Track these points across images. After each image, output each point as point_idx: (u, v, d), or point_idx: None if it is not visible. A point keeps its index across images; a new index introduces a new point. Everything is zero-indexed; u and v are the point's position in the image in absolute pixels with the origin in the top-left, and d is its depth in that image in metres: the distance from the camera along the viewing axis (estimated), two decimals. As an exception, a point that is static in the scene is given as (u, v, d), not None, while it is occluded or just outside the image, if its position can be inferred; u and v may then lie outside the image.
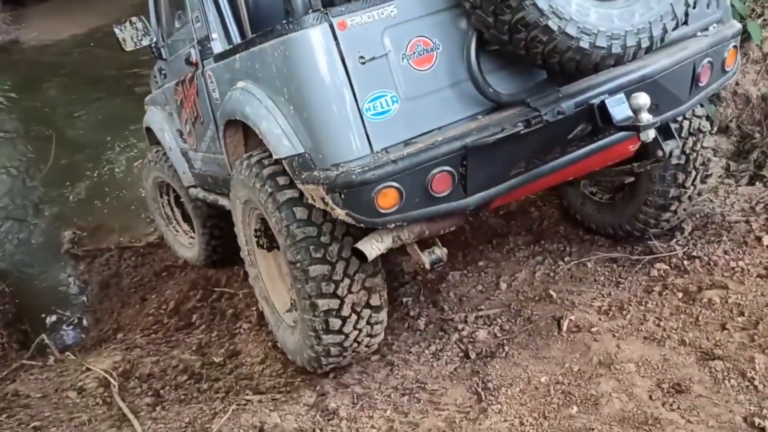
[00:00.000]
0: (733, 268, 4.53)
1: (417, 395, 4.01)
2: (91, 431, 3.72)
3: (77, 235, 7.20)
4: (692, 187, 4.29)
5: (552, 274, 4.97)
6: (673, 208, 4.41)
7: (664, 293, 4.48)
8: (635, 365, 3.92)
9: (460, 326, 4.56)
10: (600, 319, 4.35)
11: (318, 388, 4.13)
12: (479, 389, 3.97)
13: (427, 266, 3.51)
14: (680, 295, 4.46)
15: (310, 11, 2.81)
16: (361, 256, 3.19)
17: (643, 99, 2.84)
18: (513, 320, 4.53)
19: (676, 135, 3.57)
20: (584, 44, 2.70)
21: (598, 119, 3.00)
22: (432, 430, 3.74)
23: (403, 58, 2.87)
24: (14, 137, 9.68)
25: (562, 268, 5.01)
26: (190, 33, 4.03)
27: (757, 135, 5.80)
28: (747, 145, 5.82)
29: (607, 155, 3.34)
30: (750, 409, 3.47)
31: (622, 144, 3.27)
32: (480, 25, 2.81)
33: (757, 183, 5.53)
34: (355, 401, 3.99)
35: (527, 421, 3.69)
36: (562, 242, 5.38)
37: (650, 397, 3.71)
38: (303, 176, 2.96)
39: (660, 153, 3.34)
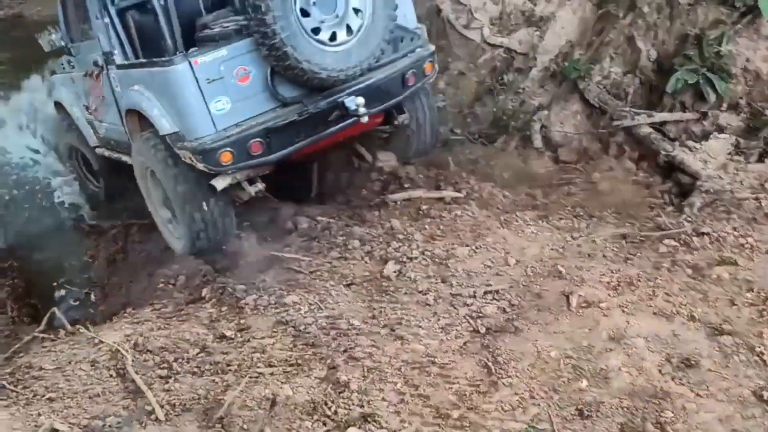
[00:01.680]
0: (742, 245, 4.55)
1: (427, 369, 4.04)
2: (105, 403, 3.76)
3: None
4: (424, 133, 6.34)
5: (561, 250, 4.98)
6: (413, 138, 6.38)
7: (674, 269, 4.50)
8: (645, 340, 3.96)
9: (469, 301, 4.57)
10: (609, 294, 4.37)
11: (329, 361, 4.15)
12: (489, 363, 4.00)
13: (252, 194, 5.33)
14: (689, 271, 4.48)
15: (179, 52, 4.81)
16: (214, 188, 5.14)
17: (359, 100, 4.98)
18: (522, 295, 4.55)
19: (405, 111, 5.94)
20: (324, 76, 4.82)
21: (343, 109, 5.04)
22: (443, 402, 3.78)
23: (232, 78, 4.77)
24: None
25: (571, 244, 5.03)
26: (96, 46, 5.59)
27: (767, 112, 5.78)
28: (757, 122, 5.80)
29: (357, 127, 5.27)
30: (759, 383, 3.51)
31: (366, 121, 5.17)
32: (271, 62, 4.76)
33: (766, 160, 5.52)
34: (366, 374, 4.02)
35: (537, 394, 3.73)
36: (570, 219, 5.39)
37: (660, 371, 3.75)
38: (178, 145, 4.89)
39: (396, 122, 5.93)
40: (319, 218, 6.05)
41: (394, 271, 5.01)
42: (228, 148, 4.76)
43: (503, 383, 3.83)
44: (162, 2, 4.85)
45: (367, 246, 5.42)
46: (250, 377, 3.96)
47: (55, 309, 4.83)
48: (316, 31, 4.69)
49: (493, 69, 7.41)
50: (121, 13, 5.30)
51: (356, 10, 4.81)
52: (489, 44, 7.54)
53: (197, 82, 4.62)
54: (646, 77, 6.43)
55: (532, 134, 6.74)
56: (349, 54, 4.85)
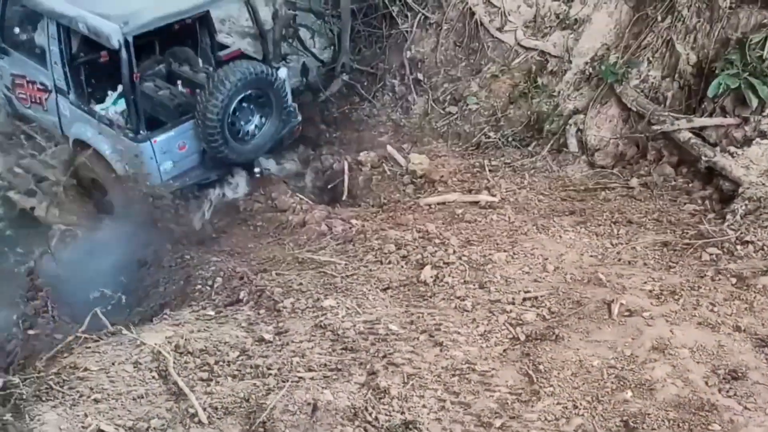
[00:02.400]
0: (788, 254, 4.47)
1: (467, 376, 4.03)
2: (148, 404, 3.79)
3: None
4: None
5: (600, 256, 4.94)
6: None
7: (717, 278, 4.44)
8: (690, 351, 3.91)
9: (508, 308, 4.55)
10: (652, 303, 4.32)
11: (368, 366, 4.15)
12: (530, 371, 3.97)
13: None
14: (734, 280, 4.41)
15: (142, 131, 6.32)
16: None
17: (257, 169, 7.26)
18: (562, 303, 4.52)
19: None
20: (239, 159, 6.84)
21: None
22: (484, 410, 3.76)
23: (177, 148, 6.52)
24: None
25: (611, 250, 4.98)
26: (45, 72, 6.78)
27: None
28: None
29: None
30: (810, 397, 3.44)
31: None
32: (206, 147, 6.53)
33: (812, 167, 5.42)
34: (406, 380, 4.01)
35: (581, 404, 3.70)
36: (609, 225, 5.34)
37: (706, 383, 3.70)
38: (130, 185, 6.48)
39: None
40: (353, 221, 6.05)
41: (431, 276, 5.00)
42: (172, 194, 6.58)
43: (545, 392, 3.80)
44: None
45: (403, 250, 5.41)
46: (291, 382, 3.97)
47: (97, 309, 4.87)
48: (237, 133, 6.68)
49: (527, 72, 7.36)
50: (80, 63, 6.77)
51: (258, 126, 6.86)
52: (523, 47, 7.50)
53: (154, 153, 6.41)
54: (686, 81, 6.33)
55: (567, 138, 6.68)
56: (255, 146, 6.89)
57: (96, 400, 3.72)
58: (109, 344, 4.31)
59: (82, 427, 3.48)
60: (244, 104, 6.63)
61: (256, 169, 7.23)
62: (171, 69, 7.24)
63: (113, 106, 6.78)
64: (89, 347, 4.25)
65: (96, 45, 6.45)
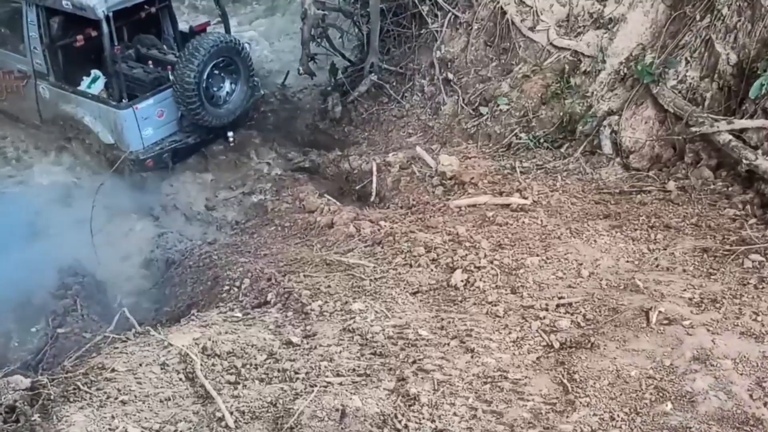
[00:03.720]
0: (835, 262, 4.29)
1: (499, 384, 3.92)
2: (175, 407, 3.74)
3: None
4: None
5: (637, 262, 4.80)
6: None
7: (761, 286, 4.28)
8: (732, 362, 3.76)
9: (541, 314, 4.43)
10: (692, 311, 4.17)
11: (398, 372, 4.06)
12: (565, 380, 3.86)
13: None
14: (778, 288, 4.24)
15: (124, 100, 7.14)
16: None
17: (231, 133, 7.99)
18: (597, 310, 4.39)
19: None
20: (214, 122, 7.62)
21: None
22: (517, 420, 3.65)
23: (156, 115, 7.35)
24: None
25: (648, 256, 4.83)
26: (22, 59, 7.54)
27: None
28: None
29: None
30: None
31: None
32: (183, 112, 7.37)
33: None
34: (436, 387, 3.92)
35: (618, 416, 3.57)
36: (645, 229, 5.19)
37: (750, 396, 3.55)
38: (114, 152, 7.29)
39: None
40: (382, 223, 5.97)
41: (462, 281, 4.90)
42: (151, 158, 7.33)
43: (581, 402, 3.68)
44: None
45: (433, 253, 5.32)
46: (320, 386, 3.90)
47: (125, 309, 4.86)
48: (211, 98, 7.43)
49: (560, 72, 7.21)
50: (57, 48, 7.39)
51: (229, 92, 7.64)
52: (555, 47, 7.35)
53: (136, 119, 7.19)
54: (725, 82, 6.13)
55: (601, 140, 6.51)
56: (227, 110, 7.64)
57: (123, 402, 3.69)
58: (137, 345, 4.28)
59: (110, 429, 3.45)
60: (216, 71, 7.40)
61: (230, 134, 7.88)
62: (140, 53, 8.02)
63: (89, 89, 7.43)
64: (117, 347, 4.23)
65: (72, 30, 7.21)
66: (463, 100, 7.67)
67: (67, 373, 3.98)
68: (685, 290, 4.35)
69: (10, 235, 5.99)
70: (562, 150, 6.73)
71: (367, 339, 4.39)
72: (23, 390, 3.81)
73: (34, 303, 5.64)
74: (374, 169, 7.03)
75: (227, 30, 8.03)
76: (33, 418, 3.53)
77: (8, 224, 6.13)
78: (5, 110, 8.16)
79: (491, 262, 5.02)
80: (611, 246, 5.04)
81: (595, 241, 5.14)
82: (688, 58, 6.31)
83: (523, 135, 7.03)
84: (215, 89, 7.51)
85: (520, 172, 6.37)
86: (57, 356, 5.07)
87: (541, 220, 5.53)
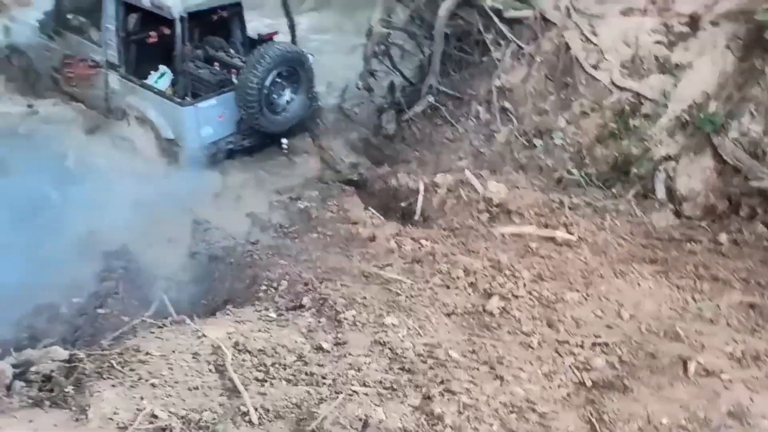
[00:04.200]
0: None
1: (526, 415, 3.87)
2: (203, 396, 3.79)
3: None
4: None
5: (680, 310, 4.70)
6: None
7: (807, 348, 4.14)
8: (770, 422, 3.64)
9: (575, 350, 4.37)
10: (732, 366, 4.07)
11: (424, 390, 4.04)
12: (594, 420, 3.79)
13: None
14: (826, 352, 4.10)
15: (188, 98, 7.40)
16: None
17: (285, 140, 8.13)
18: (634, 353, 4.30)
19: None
20: (271, 128, 7.81)
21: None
22: (540, 454, 3.60)
23: (216, 116, 7.51)
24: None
25: (692, 305, 4.73)
26: (97, 49, 7.88)
27: None
28: None
29: None
30: None
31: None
32: (243, 116, 7.53)
33: None
34: (462, 410, 3.89)
35: (645, 462, 3.49)
36: (692, 278, 5.08)
37: (785, 459, 3.43)
38: (171, 147, 7.55)
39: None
40: (423, 242, 5.99)
41: (498, 307, 4.87)
42: (206, 156, 7.52)
43: (608, 444, 3.61)
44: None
45: (471, 277, 5.30)
46: (345, 394, 3.90)
47: (164, 296, 4.96)
48: (270, 104, 7.57)
49: (619, 112, 7.14)
50: (131, 42, 7.72)
51: (288, 101, 7.78)
52: (617, 86, 7.29)
53: (197, 117, 7.40)
54: (789, 138, 6.03)
55: (655, 184, 6.43)
56: (285, 118, 7.78)
57: (153, 385, 3.74)
58: (172, 332, 4.36)
59: (137, 409, 3.50)
60: (278, 80, 7.56)
61: (284, 140, 8.04)
62: (208, 54, 8.18)
63: (156, 84, 7.71)
64: (153, 332, 4.31)
65: (147, 26, 7.57)
66: (518, 130, 7.65)
67: (104, 351, 4.06)
68: (726, 344, 4.24)
69: (68, 209, 6.19)
70: (614, 190, 6.65)
71: (396, 354, 4.39)
72: (60, 361, 3.91)
73: (79, 280, 5.79)
74: (421, 188, 7.05)
75: (293, 40, 8.20)
76: (66, 389, 3.61)
77: (67, 199, 6.33)
78: (76, 95, 8.48)
79: (530, 293, 4.97)
80: (655, 291, 4.95)
81: (638, 284, 5.06)
82: (753, 111, 6.21)
83: (575, 171, 6.97)
84: (275, 96, 7.66)
85: (569, 207, 6.31)
86: (95, 335, 5.18)
87: (585, 257, 5.47)
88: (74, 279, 5.84)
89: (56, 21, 8.28)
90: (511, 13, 8.07)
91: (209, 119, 7.50)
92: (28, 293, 5.68)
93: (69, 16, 8.15)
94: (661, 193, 6.37)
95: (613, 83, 7.31)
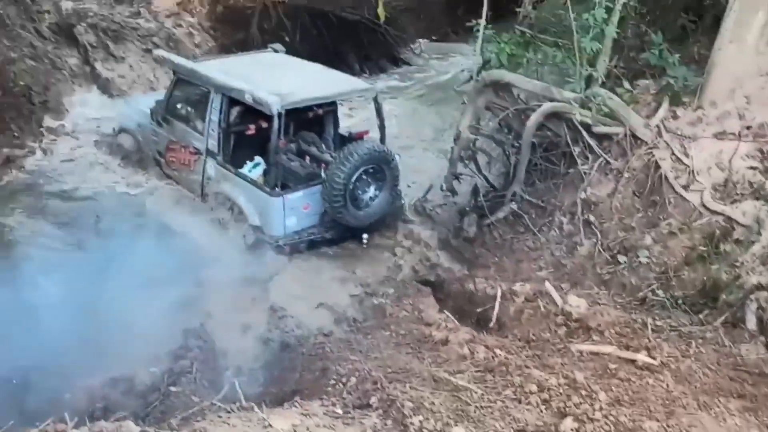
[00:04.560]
0: None
1: None
2: (263, 489, 3.77)
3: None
4: None
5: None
6: None
7: None
8: None
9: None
10: None
11: None
12: None
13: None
14: None
15: (277, 188, 7.76)
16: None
17: (366, 235, 8.31)
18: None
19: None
20: (354, 222, 7.98)
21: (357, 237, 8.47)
22: None
23: (300, 207, 7.84)
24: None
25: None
26: (199, 138, 8.42)
27: None
28: None
29: None
30: None
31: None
32: (327, 208, 7.82)
33: None
34: None
35: None
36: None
37: None
38: (257, 234, 7.81)
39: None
40: (497, 351, 5.86)
41: (572, 429, 4.66)
42: (289, 245, 7.77)
43: None
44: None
45: (545, 393, 5.12)
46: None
47: (235, 381, 5.02)
48: (355, 200, 7.80)
49: (709, 235, 6.95)
50: (230, 133, 8.22)
51: (372, 197, 8.00)
52: (708, 209, 7.13)
53: (283, 208, 7.70)
54: None
55: (745, 314, 6.13)
56: (367, 213, 7.98)
57: (217, 473, 3.74)
58: (240, 418, 4.37)
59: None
60: (364, 176, 7.82)
61: (365, 235, 8.23)
62: (300, 148, 8.60)
63: (249, 173, 8.15)
64: (221, 416, 4.33)
65: (247, 119, 8.13)
66: (602, 244, 7.53)
67: (172, 430, 4.12)
68: None
69: (155, 282, 6.45)
70: (701, 316, 6.37)
71: (462, 467, 4.24)
72: (131, 437, 3.98)
73: (157, 354, 5.96)
74: (499, 295, 6.98)
75: (382, 140, 8.49)
76: (134, 466, 3.66)
77: (157, 273, 6.61)
78: (176, 178, 9.08)
79: (606, 417, 4.75)
80: (742, 429, 4.63)
81: (724, 419, 4.76)
82: None
83: (660, 292, 6.75)
84: (360, 192, 7.92)
85: (652, 329, 6.08)
86: (165, 413, 5.27)
87: (668, 385, 5.21)
88: (153, 353, 6.02)
89: (166, 109, 8.96)
90: (600, 129, 8.12)
91: (295, 210, 7.82)
92: (108, 361, 5.90)
93: (178, 106, 8.82)
94: (751, 323, 6.06)
95: (703, 205, 7.16)
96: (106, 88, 11.78)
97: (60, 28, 12.00)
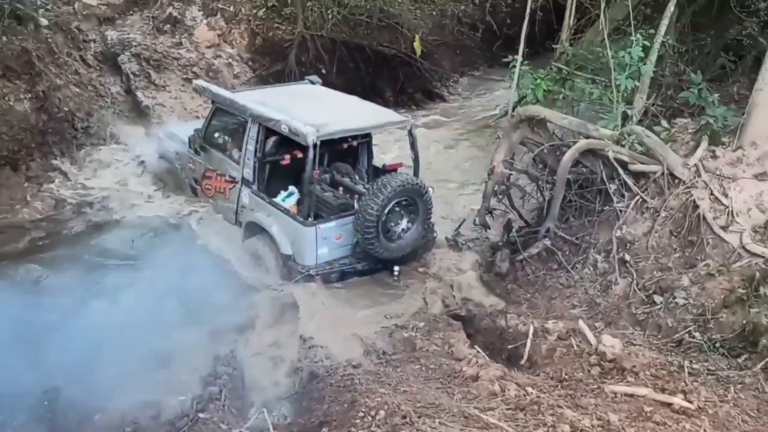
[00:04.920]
0: None
1: None
2: None
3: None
4: None
5: None
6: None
7: None
8: None
9: None
10: None
11: None
12: None
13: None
14: None
15: (310, 218, 7.72)
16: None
17: (397, 268, 8.35)
18: None
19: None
20: (385, 254, 7.94)
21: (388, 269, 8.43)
22: None
23: (333, 237, 7.83)
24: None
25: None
26: (235, 166, 8.56)
27: None
28: None
29: None
30: None
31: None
32: (359, 238, 7.76)
33: None
34: None
35: None
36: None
37: None
38: (289, 264, 7.88)
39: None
40: (529, 389, 5.76)
41: (606, 472, 4.54)
42: (320, 275, 7.79)
43: None
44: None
45: (578, 435, 5.00)
46: None
47: (264, 410, 5.01)
48: (387, 232, 7.84)
49: (749, 278, 6.78)
50: (266, 162, 8.31)
51: (404, 230, 8.04)
52: (748, 251, 6.99)
53: (316, 237, 7.68)
54: None
55: (786, 359, 5.96)
56: (399, 246, 8.00)
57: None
58: (267, 448, 4.36)
59: None
60: (396, 208, 7.85)
61: (396, 267, 8.25)
62: (334, 178, 8.73)
63: (283, 202, 8.16)
64: (249, 445, 4.32)
65: (282, 149, 8.21)
66: (637, 284, 7.40)
67: (200, 456, 4.11)
68: None
69: (187, 307, 6.52)
70: (740, 360, 6.20)
71: (491, 508, 4.15)
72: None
73: (187, 380, 5.98)
74: (531, 332, 6.88)
75: (416, 173, 8.51)
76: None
77: (189, 297, 6.68)
78: (212, 206, 9.20)
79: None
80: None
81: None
82: None
83: (697, 334, 6.58)
84: (392, 224, 7.93)
85: (689, 372, 5.93)
86: (192, 440, 5.28)
87: (705, 430, 5.07)
88: (183, 379, 6.04)
89: (204, 138, 9.12)
90: (637, 167, 8.04)
91: (327, 240, 7.81)
92: (139, 385, 5.94)
93: (215, 135, 8.96)
94: (793, 370, 5.88)
95: (743, 247, 7.02)
96: (146, 115, 12.07)
97: (105, 56, 12.40)
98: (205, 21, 13.99)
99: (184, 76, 12.80)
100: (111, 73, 12.35)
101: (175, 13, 13.75)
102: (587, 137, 8.34)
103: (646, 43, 8.47)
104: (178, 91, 12.57)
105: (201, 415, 5.66)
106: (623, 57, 8.41)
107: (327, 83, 10.45)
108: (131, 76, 12.37)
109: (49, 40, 10.50)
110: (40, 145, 10.12)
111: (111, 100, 11.77)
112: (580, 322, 6.80)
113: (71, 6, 12.61)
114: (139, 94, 12.25)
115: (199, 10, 14.20)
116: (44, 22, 10.24)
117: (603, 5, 9.54)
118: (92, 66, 11.93)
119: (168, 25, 13.58)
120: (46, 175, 10.04)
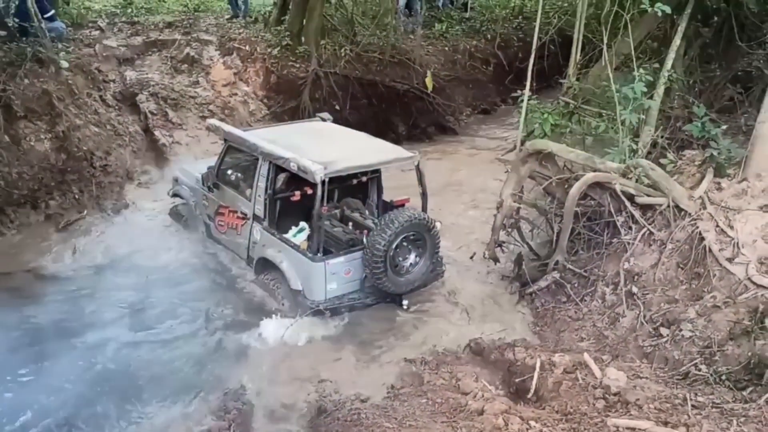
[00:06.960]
0: None
1: None
2: None
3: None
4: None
5: None
6: None
7: None
8: None
9: None
10: None
11: None
12: None
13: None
14: None
15: (319, 254, 7.81)
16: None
17: (406, 301, 8.50)
18: None
19: None
20: (393, 288, 8.09)
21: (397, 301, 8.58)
22: None
23: (342, 273, 7.95)
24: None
25: None
26: (247, 203, 8.72)
27: None
28: None
29: None
30: None
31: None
32: (368, 274, 7.96)
33: None
34: None
35: None
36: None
37: None
38: (298, 299, 7.98)
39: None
40: (532, 423, 5.79)
41: (606, 507, 4.55)
42: (329, 310, 7.93)
43: None
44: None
45: (580, 469, 5.02)
46: None
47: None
48: (395, 266, 7.98)
49: (755, 310, 6.77)
50: (277, 198, 8.52)
51: (412, 264, 8.21)
52: (754, 283, 6.96)
53: (325, 273, 7.79)
54: None
55: (792, 392, 5.92)
56: (407, 280, 8.18)
57: None
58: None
59: None
60: (404, 243, 8.00)
61: (405, 301, 8.39)
62: (343, 213, 8.90)
63: (293, 238, 8.27)
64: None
65: (292, 186, 8.46)
66: (644, 316, 7.41)
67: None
68: None
69: (202, 342, 6.66)
70: (745, 393, 6.16)
71: None
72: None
73: (194, 415, 6.09)
74: (538, 365, 6.90)
75: (424, 208, 8.64)
76: None
77: (204, 331, 6.82)
78: (223, 242, 9.42)
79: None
80: None
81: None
82: None
83: (703, 367, 6.57)
84: (400, 259, 8.06)
85: (692, 405, 5.91)
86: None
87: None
88: (190, 413, 6.16)
89: (217, 175, 9.34)
90: (643, 200, 8.11)
91: (336, 275, 7.91)
92: (146, 414, 6.09)
93: (228, 172, 9.18)
94: (799, 403, 5.84)
95: (749, 279, 7.01)
96: (163, 153, 12.38)
97: (123, 96, 12.75)
98: (221, 60, 14.40)
99: (201, 114, 13.12)
100: (129, 112, 12.68)
101: (192, 53, 14.16)
102: (594, 170, 8.43)
103: (649, 77, 8.59)
104: (195, 129, 12.89)
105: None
106: (627, 92, 8.53)
107: (341, 119, 10.67)
108: (149, 114, 12.72)
109: (70, 81, 10.80)
110: (60, 184, 10.35)
111: (129, 139, 12.07)
112: (586, 355, 6.82)
113: (92, 48, 13.02)
114: (156, 132, 12.58)
115: (215, 50, 14.61)
116: (65, 64, 10.51)
117: (606, 39, 9.70)
118: (111, 105, 12.25)
119: (185, 65, 13.98)
120: (65, 213, 10.29)
